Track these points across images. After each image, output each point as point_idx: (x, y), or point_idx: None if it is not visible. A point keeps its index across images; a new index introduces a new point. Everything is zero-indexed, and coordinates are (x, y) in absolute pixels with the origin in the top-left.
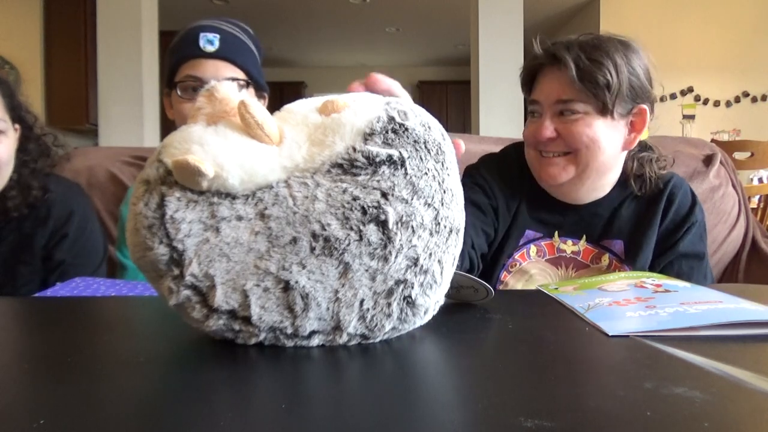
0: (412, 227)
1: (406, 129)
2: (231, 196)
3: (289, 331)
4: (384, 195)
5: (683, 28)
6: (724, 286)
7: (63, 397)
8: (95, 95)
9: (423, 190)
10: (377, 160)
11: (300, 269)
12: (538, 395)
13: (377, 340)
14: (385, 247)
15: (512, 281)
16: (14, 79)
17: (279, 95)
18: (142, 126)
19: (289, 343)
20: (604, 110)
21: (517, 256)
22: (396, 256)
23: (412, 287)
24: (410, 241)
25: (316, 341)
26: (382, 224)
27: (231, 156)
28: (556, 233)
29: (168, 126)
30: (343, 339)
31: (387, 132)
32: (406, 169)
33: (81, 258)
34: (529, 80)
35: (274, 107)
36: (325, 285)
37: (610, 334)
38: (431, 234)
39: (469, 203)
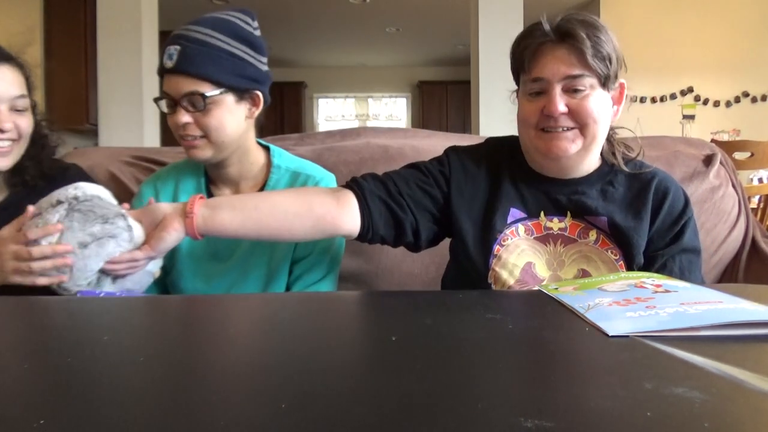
0: None
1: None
2: None
3: None
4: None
5: (683, 28)
6: (724, 286)
7: (63, 397)
8: (95, 95)
9: None
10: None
11: None
12: (538, 395)
13: None
14: None
15: (505, 254)
16: None
17: (279, 95)
18: (142, 126)
19: None
20: (605, 84)
21: (507, 232)
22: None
23: None
24: None
25: None
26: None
27: None
28: (542, 213)
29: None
30: None
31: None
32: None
33: None
34: (525, 60)
35: (274, 107)
36: None
37: (610, 334)
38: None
39: (416, 167)
